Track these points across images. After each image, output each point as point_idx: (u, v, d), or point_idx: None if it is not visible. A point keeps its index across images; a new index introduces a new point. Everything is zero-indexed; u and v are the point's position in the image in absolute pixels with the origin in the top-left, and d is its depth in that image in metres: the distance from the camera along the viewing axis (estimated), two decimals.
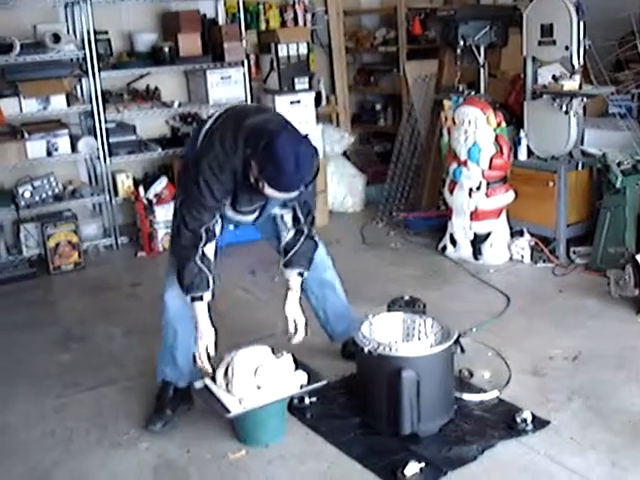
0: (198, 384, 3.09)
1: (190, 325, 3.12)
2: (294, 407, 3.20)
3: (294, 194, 2.88)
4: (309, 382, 3.05)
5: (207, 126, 3.03)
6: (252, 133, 2.84)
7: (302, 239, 3.20)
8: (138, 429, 3.20)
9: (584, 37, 4.62)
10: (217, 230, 3.03)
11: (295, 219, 3.19)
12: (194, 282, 2.95)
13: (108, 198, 5.72)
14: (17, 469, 2.99)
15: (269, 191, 2.81)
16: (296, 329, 3.22)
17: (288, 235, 3.21)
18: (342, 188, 6.48)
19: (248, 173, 2.83)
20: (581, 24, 4.58)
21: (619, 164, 4.60)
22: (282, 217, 3.22)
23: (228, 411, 2.90)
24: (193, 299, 2.98)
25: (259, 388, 2.95)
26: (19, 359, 3.98)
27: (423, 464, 2.78)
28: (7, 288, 5.08)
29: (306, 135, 2.84)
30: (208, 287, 2.98)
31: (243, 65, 5.97)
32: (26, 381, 3.72)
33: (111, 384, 3.62)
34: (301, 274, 3.22)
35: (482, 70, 5.31)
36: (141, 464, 2.97)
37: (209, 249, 2.99)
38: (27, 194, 5.36)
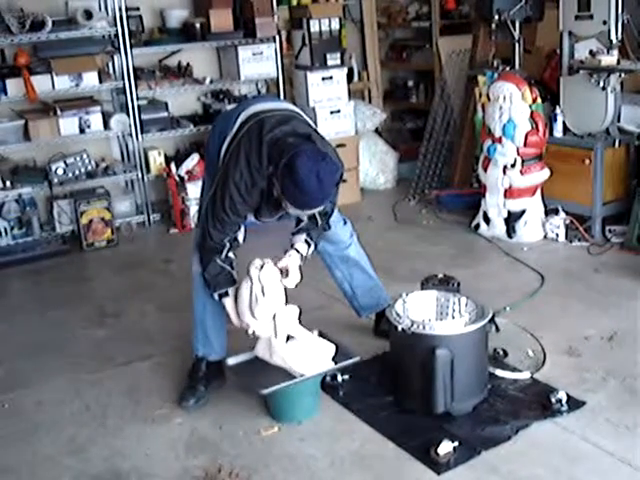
0: (231, 360, 3.10)
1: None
2: (327, 385, 3.19)
3: (317, 210, 2.88)
4: (341, 358, 3.05)
5: (232, 133, 2.96)
6: (274, 149, 2.80)
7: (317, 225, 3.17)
8: (171, 404, 3.22)
9: (622, 11, 4.53)
10: (240, 238, 3.05)
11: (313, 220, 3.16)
12: (218, 281, 2.99)
13: (140, 175, 5.74)
14: (53, 444, 3.02)
15: (292, 210, 2.81)
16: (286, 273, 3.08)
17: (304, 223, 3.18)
18: (374, 165, 6.44)
19: (272, 190, 2.83)
20: None
21: None
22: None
23: (262, 387, 2.90)
24: (220, 296, 3.02)
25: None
26: (54, 335, 4.03)
27: (457, 443, 2.76)
28: (41, 265, 5.13)
29: (326, 154, 2.76)
30: (232, 283, 3.01)
31: (275, 41, 5.93)
32: (61, 357, 3.76)
33: (145, 360, 3.65)
34: (308, 243, 3.15)
35: (517, 45, 5.23)
36: (174, 439, 2.99)
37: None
38: (60, 171, 5.39)
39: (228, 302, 3.04)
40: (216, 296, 3.03)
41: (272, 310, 2.97)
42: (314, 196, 2.74)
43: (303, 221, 3.13)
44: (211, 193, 2.95)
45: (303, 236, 3.14)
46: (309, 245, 3.15)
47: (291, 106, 3.20)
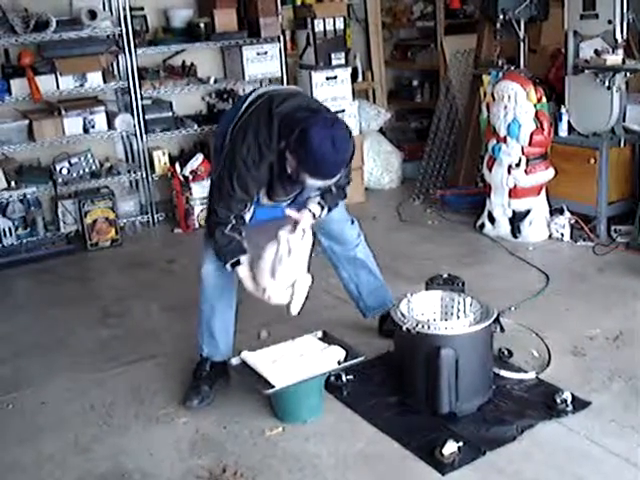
0: (235, 360, 3.09)
1: (227, 300, 3.17)
2: (331, 385, 3.18)
3: (334, 180, 2.87)
4: (346, 358, 3.04)
5: (240, 112, 2.98)
6: (284, 123, 2.81)
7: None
8: (176, 404, 3.22)
9: (627, 10, 4.52)
10: (247, 217, 3.03)
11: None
12: (229, 250, 2.95)
13: (145, 175, 5.74)
14: (58, 443, 3.02)
15: (310, 181, 2.80)
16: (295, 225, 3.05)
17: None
18: (378, 165, 6.43)
19: (284, 165, 2.82)
20: None
21: None
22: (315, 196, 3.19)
23: (266, 387, 2.90)
24: (233, 266, 2.97)
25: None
26: (58, 335, 4.03)
27: (461, 443, 2.75)
28: (45, 264, 5.13)
29: (337, 116, 2.80)
30: (243, 251, 2.97)
31: (279, 41, 5.92)
32: (65, 356, 3.77)
33: (149, 359, 3.65)
34: (322, 205, 3.13)
35: (522, 45, 5.21)
36: (179, 439, 2.98)
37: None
38: (64, 171, 5.39)
39: (242, 270, 2.98)
40: (228, 267, 2.98)
41: (294, 275, 2.96)
42: (330, 163, 2.75)
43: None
44: (218, 170, 2.94)
45: (317, 199, 3.12)
46: (322, 208, 3.13)
47: (297, 87, 3.20)
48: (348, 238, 3.48)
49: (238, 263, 2.97)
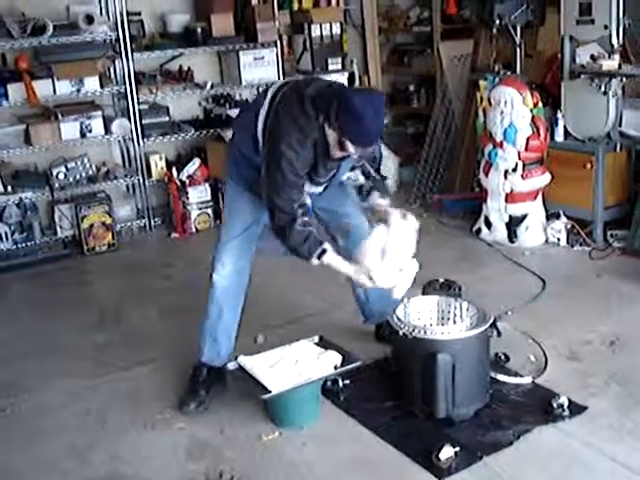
0: (232, 365, 3.09)
1: (234, 306, 3.22)
2: (327, 390, 3.18)
3: (373, 147, 2.94)
4: (343, 364, 3.04)
5: (265, 107, 2.95)
6: (318, 100, 2.84)
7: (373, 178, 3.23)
8: (172, 409, 3.21)
9: (624, 15, 4.53)
10: (308, 201, 3.03)
11: (364, 174, 3.21)
12: (309, 245, 2.93)
13: (141, 179, 5.74)
14: (54, 449, 3.01)
15: (351, 149, 2.83)
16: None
17: (359, 180, 3.22)
18: None
19: (326, 140, 2.85)
20: (620, 2, 4.49)
21: None
22: (350, 178, 3.23)
23: (263, 392, 2.90)
24: (319, 257, 2.95)
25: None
26: (55, 340, 4.02)
27: (458, 448, 2.75)
28: (42, 269, 5.13)
29: (370, 89, 2.84)
30: (321, 242, 2.96)
31: (276, 45, 5.93)
32: (62, 361, 3.76)
33: (146, 364, 3.64)
34: (383, 197, 3.20)
35: (518, 50, 5.23)
36: (175, 445, 2.98)
37: None
38: (61, 175, 5.39)
39: (332, 257, 2.97)
40: (315, 260, 2.95)
41: (402, 259, 3.00)
42: (374, 128, 2.81)
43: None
44: (264, 169, 2.92)
45: (377, 193, 3.18)
46: (367, 177, 3.21)
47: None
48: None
49: (324, 252, 2.96)
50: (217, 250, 3.20)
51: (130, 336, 3.99)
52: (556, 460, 2.73)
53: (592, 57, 4.68)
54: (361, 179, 3.23)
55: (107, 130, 5.54)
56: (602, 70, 4.60)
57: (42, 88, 5.27)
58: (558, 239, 4.87)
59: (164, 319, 4.17)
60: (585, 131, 4.85)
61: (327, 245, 2.97)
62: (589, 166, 4.75)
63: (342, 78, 5.95)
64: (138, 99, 5.60)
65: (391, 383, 3.19)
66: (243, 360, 3.06)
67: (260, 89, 6.22)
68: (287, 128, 2.84)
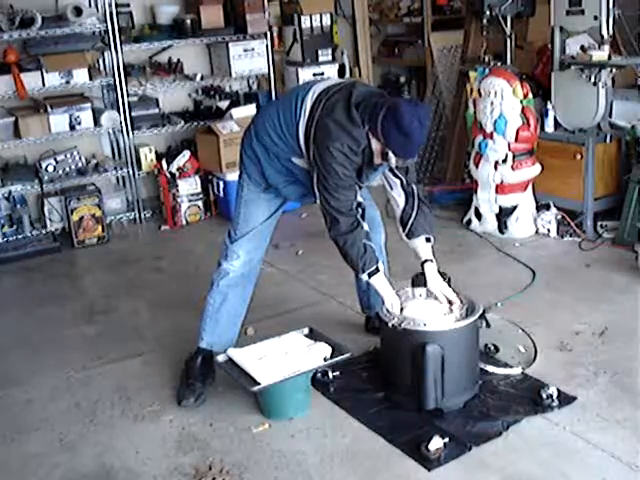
0: (221, 357, 3.09)
1: (242, 296, 3.25)
2: (317, 381, 3.19)
3: (415, 159, 2.95)
4: (333, 355, 3.04)
5: (305, 116, 2.93)
6: (363, 109, 2.84)
7: (416, 203, 3.17)
8: (162, 402, 3.21)
9: (613, 6, 4.52)
10: (360, 199, 3.05)
11: (400, 179, 3.20)
12: (365, 260, 2.97)
13: (131, 172, 5.72)
14: (43, 441, 3.01)
15: (394, 160, 2.86)
16: (450, 302, 3.11)
17: (400, 201, 3.20)
18: None
19: (370, 148, 2.87)
20: None
21: None
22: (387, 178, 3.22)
23: (252, 384, 2.90)
24: (370, 275, 3.00)
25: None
26: (44, 332, 4.01)
27: (447, 439, 2.76)
28: (31, 262, 5.11)
29: (417, 100, 2.83)
30: (378, 260, 3.01)
31: (266, 37, 5.91)
32: (51, 354, 3.75)
33: (135, 357, 3.64)
34: (428, 239, 3.18)
35: (508, 41, 5.21)
36: (165, 437, 2.98)
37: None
38: (50, 168, 5.37)
39: (380, 279, 3.03)
40: (365, 276, 3.00)
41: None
42: (417, 141, 2.83)
43: (397, 189, 3.20)
44: (315, 177, 2.94)
45: (423, 236, 3.15)
46: (429, 241, 3.18)
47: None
48: (382, 227, 3.55)
49: (377, 271, 3.01)
50: (231, 241, 3.22)
51: (120, 328, 3.98)
52: (545, 450, 2.74)
53: (582, 48, 4.67)
54: (397, 185, 3.20)
55: (96, 122, 5.51)
56: (592, 61, 4.59)
57: (31, 80, 5.24)
58: (548, 230, 4.88)
59: (154, 311, 4.16)
60: (575, 122, 4.84)
61: (380, 265, 3.02)
62: (579, 157, 4.76)
63: (332, 69, 5.95)
64: (127, 91, 5.58)
65: (381, 375, 3.19)
66: (232, 352, 3.06)
67: (250, 80, 6.23)
68: (337, 134, 2.84)
